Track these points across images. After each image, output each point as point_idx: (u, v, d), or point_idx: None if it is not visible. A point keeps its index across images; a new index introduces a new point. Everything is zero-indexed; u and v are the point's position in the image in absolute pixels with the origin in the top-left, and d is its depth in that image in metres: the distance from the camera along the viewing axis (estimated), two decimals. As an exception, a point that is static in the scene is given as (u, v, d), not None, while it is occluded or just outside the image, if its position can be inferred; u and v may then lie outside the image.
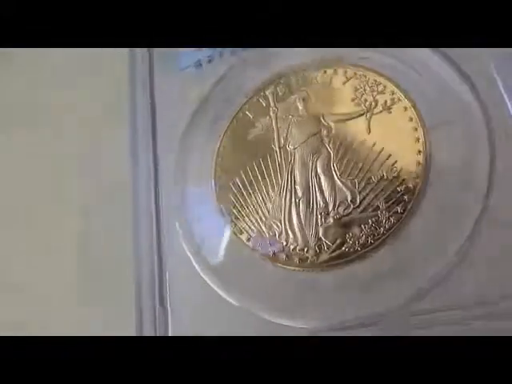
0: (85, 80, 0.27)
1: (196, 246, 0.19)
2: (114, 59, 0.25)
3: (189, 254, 0.19)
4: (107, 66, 0.27)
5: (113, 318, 0.21)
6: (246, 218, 0.19)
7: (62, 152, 0.27)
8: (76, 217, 0.25)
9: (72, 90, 0.28)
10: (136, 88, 0.23)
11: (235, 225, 0.19)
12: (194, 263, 0.18)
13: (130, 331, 0.18)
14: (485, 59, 0.17)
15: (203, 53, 0.23)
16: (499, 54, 0.17)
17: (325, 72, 0.20)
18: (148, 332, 0.18)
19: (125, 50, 0.24)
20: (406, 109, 0.18)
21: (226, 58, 0.22)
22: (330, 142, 0.18)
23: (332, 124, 0.19)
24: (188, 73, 0.23)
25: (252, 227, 0.18)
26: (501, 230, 0.15)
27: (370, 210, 0.17)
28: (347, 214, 0.17)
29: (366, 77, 0.19)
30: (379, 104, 0.18)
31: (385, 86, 0.18)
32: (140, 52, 0.23)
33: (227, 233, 0.19)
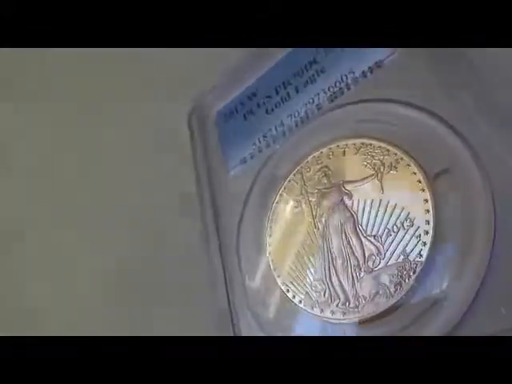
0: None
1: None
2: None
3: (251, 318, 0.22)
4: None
5: None
6: (297, 285, 0.22)
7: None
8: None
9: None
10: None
11: (288, 291, 0.22)
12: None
13: None
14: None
15: (246, 152, 0.29)
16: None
17: (337, 146, 0.23)
18: None
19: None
20: (408, 165, 0.20)
21: (264, 153, 0.27)
22: (352, 206, 0.21)
23: (351, 190, 0.22)
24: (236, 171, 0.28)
25: (302, 291, 0.22)
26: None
27: (394, 259, 0.19)
28: (376, 267, 0.19)
29: (371, 144, 0.22)
30: (386, 165, 0.21)
31: (388, 150, 0.21)
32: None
33: (283, 299, 0.22)
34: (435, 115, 0.20)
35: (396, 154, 0.21)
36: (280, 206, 0.25)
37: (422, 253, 0.18)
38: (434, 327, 0.17)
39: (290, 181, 0.25)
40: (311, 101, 0.26)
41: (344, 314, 0.20)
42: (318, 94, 0.26)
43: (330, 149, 0.23)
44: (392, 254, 0.19)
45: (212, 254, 0.26)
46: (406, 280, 0.18)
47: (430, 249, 0.18)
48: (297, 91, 0.27)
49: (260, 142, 0.28)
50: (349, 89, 0.24)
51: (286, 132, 0.27)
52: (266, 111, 0.29)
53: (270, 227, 0.24)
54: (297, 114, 0.27)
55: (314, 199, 0.23)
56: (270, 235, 0.24)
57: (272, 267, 0.23)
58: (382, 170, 0.21)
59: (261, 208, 0.25)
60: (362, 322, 0.19)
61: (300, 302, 0.21)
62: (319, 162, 0.24)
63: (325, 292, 0.21)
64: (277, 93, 0.29)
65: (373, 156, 0.22)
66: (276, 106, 0.28)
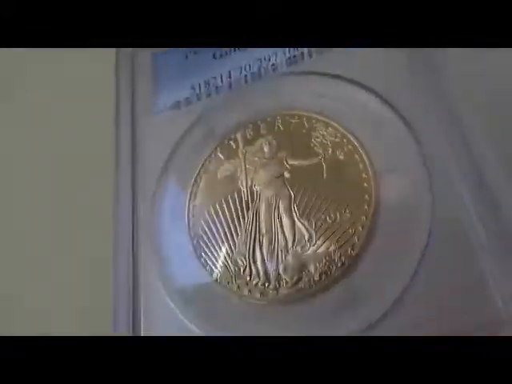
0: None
1: (167, 277, 0.20)
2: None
3: (161, 285, 0.20)
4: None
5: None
6: (215, 253, 0.20)
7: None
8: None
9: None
10: (120, 128, 0.24)
11: (204, 259, 0.20)
12: (165, 294, 0.20)
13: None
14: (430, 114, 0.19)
15: (181, 94, 0.25)
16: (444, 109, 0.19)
17: (289, 117, 0.21)
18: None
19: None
20: (357, 155, 0.19)
21: (203, 102, 0.24)
22: (291, 184, 0.20)
23: (293, 167, 0.20)
24: (167, 114, 0.25)
25: (219, 261, 0.20)
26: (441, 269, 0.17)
27: (323, 249, 0.18)
28: (304, 252, 0.19)
29: (324, 123, 0.20)
30: (335, 151, 0.20)
31: (339, 133, 0.20)
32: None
33: (197, 267, 0.20)
34: (395, 110, 0.19)
35: (347, 140, 0.20)
36: (211, 166, 0.22)
37: (354, 246, 0.18)
38: (351, 323, 0.17)
39: (228, 141, 0.22)
40: (267, 58, 0.24)
41: (262, 294, 0.19)
42: (276, 53, 0.24)
43: (278, 118, 0.22)
44: (323, 242, 0.19)
45: (122, 212, 0.22)
46: (333, 271, 0.18)
47: (363, 244, 0.18)
48: (253, 43, 0.25)
49: (200, 88, 0.25)
50: (311, 56, 0.22)
51: (232, 85, 0.24)
52: (214, 56, 0.25)
53: (197, 186, 0.22)
54: (248, 69, 0.24)
55: (250, 167, 0.21)
56: (195, 196, 0.22)
57: (190, 233, 0.21)
58: (329, 152, 0.20)
59: (188, 163, 0.23)
60: (280, 305, 0.19)
61: (216, 275, 0.20)
62: (264, 128, 0.22)
63: (245, 268, 0.20)
64: (229, 38, 0.25)
65: (323, 136, 0.20)
66: (226, 53, 0.25)
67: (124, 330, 0.20)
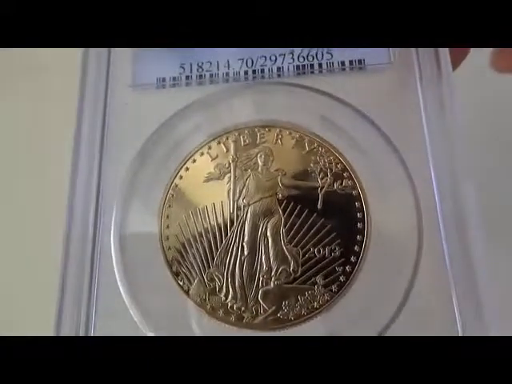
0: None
1: (133, 289, 0.18)
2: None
3: (124, 296, 0.18)
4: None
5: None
6: (189, 265, 0.19)
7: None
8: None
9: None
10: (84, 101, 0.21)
11: (177, 271, 0.19)
12: (129, 306, 0.18)
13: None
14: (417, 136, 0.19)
15: (167, 71, 0.22)
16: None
17: (290, 133, 0.20)
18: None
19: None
20: (354, 190, 0.19)
21: (192, 88, 0.21)
22: (283, 206, 0.19)
23: (288, 188, 0.19)
24: (148, 92, 0.22)
25: (194, 276, 0.19)
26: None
27: (308, 283, 0.18)
28: (287, 283, 0.18)
29: (328, 151, 0.20)
30: (333, 184, 0.19)
31: (342, 169, 0.19)
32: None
33: (167, 278, 0.19)
34: (391, 143, 0.19)
35: (347, 175, 0.19)
36: (195, 166, 0.20)
37: (339, 285, 0.18)
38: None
39: (219, 142, 0.20)
40: (273, 58, 0.22)
41: (236, 319, 0.18)
42: (284, 55, 0.22)
43: (281, 131, 0.20)
44: (309, 277, 0.18)
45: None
46: (314, 306, 0.18)
47: (349, 284, 0.18)
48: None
49: (192, 71, 0.22)
50: (321, 72, 0.21)
51: (230, 78, 0.22)
52: (212, 36, 0.23)
53: (175, 186, 0.20)
54: (250, 64, 0.22)
55: (241, 178, 0.20)
56: (173, 195, 0.20)
57: (162, 237, 0.19)
58: (327, 182, 0.19)
59: (167, 158, 0.20)
60: (254, 332, 0.18)
61: (188, 289, 0.18)
62: (263, 138, 0.20)
63: (221, 287, 0.18)
64: (233, 21, 0.23)
65: (324, 163, 0.20)
66: (226, 37, 0.22)
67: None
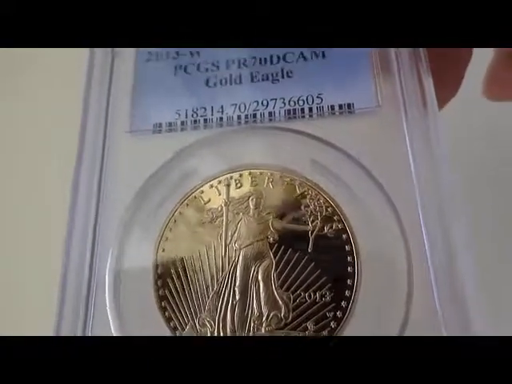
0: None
1: (125, 330, 0.19)
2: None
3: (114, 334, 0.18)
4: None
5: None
6: (182, 310, 0.19)
7: None
8: None
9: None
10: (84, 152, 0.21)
11: (169, 316, 0.19)
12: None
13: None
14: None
15: (163, 116, 0.23)
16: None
17: (281, 177, 0.21)
18: None
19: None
20: (345, 235, 0.19)
21: (188, 134, 0.22)
22: (274, 249, 0.19)
23: (279, 231, 0.20)
24: (144, 135, 0.22)
25: (186, 321, 0.19)
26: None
27: (299, 328, 0.18)
28: (278, 329, 0.18)
29: (318, 194, 0.20)
30: (324, 227, 0.19)
31: (330, 208, 0.20)
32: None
33: (160, 322, 0.19)
34: (381, 187, 0.20)
35: (337, 218, 0.20)
36: (188, 210, 0.21)
37: (330, 331, 0.18)
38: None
39: (212, 185, 0.21)
40: (265, 103, 0.22)
41: (228, 366, 0.18)
42: (276, 99, 0.22)
43: (272, 175, 0.21)
44: (300, 323, 0.18)
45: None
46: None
47: (340, 329, 0.18)
48: (252, 80, 0.23)
49: (187, 116, 0.23)
50: (311, 116, 0.22)
51: (224, 123, 0.22)
52: (207, 82, 0.23)
53: (170, 229, 0.20)
54: (243, 108, 0.23)
55: (233, 221, 0.20)
56: (167, 239, 0.20)
57: (156, 282, 0.19)
58: (317, 225, 0.20)
59: (162, 202, 0.21)
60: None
61: (180, 333, 0.19)
62: (255, 181, 0.21)
63: (213, 333, 0.18)
64: (227, 67, 0.24)
65: (315, 206, 0.20)
66: (220, 83, 0.23)
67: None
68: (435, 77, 0.21)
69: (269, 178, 0.21)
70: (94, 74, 0.23)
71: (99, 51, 0.23)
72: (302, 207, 0.20)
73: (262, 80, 0.23)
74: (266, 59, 0.23)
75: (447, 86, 0.24)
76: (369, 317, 0.18)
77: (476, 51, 0.24)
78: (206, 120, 0.22)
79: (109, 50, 0.23)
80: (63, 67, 0.25)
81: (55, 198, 0.22)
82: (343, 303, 0.18)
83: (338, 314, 0.18)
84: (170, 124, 0.23)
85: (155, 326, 0.19)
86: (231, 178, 0.21)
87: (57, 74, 0.26)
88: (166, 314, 0.19)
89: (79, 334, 0.19)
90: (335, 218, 0.19)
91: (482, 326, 0.17)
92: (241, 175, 0.21)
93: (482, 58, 0.25)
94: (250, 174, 0.21)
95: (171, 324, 0.19)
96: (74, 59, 0.22)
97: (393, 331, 0.18)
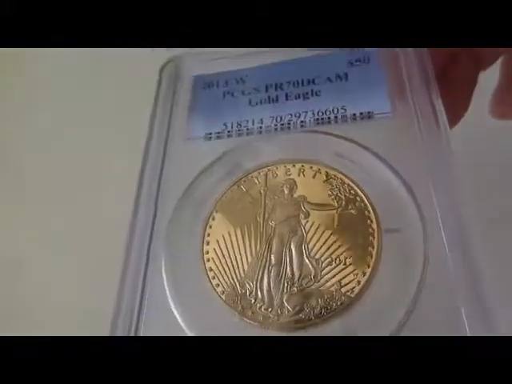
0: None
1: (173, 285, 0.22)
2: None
3: (168, 294, 0.22)
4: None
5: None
6: (225, 275, 0.22)
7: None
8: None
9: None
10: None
11: (213, 275, 0.22)
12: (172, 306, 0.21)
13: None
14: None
15: (214, 128, 0.28)
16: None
17: (311, 167, 0.24)
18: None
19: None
20: (368, 213, 0.22)
21: (233, 140, 0.27)
22: (305, 225, 0.23)
23: (309, 211, 0.23)
24: (198, 142, 0.27)
25: (228, 283, 0.22)
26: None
27: (326, 287, 0.21)
28: (308, 287, 0.21)
29: (341, 180, 0.23)
30: (348, 206, 0.23)
31: (353, 191, 0.23)
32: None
33: (206, 285, 0.22)
34: (400, 177, 0.23)
35: (359, 198, 0.23)
36: (232, 195, 0.25)
37: (354, 289, 0.20)
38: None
39: (252, 177, 0.25)
40: (297, 115, 0.27)
41: (264, 318, 0.21)
42: (306, 112, 0.27)
43: (303, 166, 0.24)
44: (327, 281, 0.21)
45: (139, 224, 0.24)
46: (332, 307, 0.20)
47: (362, 289, 0.20)
48: (286, 98, 0.28)
49: (233, 127, 0.28)
50: (336, 122, 0.26)
51: (263, 131, 0.27)
52: (250, 102, 0.29)
53: (216, 211, 0.24)
54: (279, 119, 0.27)
55: (270, 204, 0.24)
56: (213, 219, 0.24)
57: (203, 250, 0.23)
58: (342, 205, 0.23)
59: (210, 190, 0.25)
60: (278, 331, 0.20)
61: (223, 292, 0.22)
62: (289, 173, 0.25)
63: (251, 292, 0.21)
64: (266, 90, 0.29)
65: (340, 190, 0.23)
66: (261, 102, 0.28)
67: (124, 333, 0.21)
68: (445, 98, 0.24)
69: (300, 169, 0.24)
70: (161, 93, 0.29)
71: (166, 75, 0.29)
72: (328, 191, 0.23)
73: (295, 99, 0.28)
74: (298, 82, 0.28)
75: (457, 105, 0.27)
76: (388, 279, 0.20)
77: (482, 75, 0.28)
78: (247, 129, 0.27)
79: (173, 74, 0.29)
80: (137, 82, 0.32)
81: (122, 190, 0.27)
82: (365, 267, 0.21)
83: (361, 275, 0.21)
84: (219, 132, 0.27)
85: (203, 288, 0.22)
86: (269, 170, 0.25)
87: (130, 86, 0.32)
88: (211, 274, 0.22)
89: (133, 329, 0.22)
90: (357, 198, 0.23)
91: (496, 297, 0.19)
92: (277, 167, 0.25)
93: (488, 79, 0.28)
94: (284, 166, 0.25)
95: (214, 284, 0.22)
96: (145, 77, 0.28)
97: (411, 291, 0.20)
